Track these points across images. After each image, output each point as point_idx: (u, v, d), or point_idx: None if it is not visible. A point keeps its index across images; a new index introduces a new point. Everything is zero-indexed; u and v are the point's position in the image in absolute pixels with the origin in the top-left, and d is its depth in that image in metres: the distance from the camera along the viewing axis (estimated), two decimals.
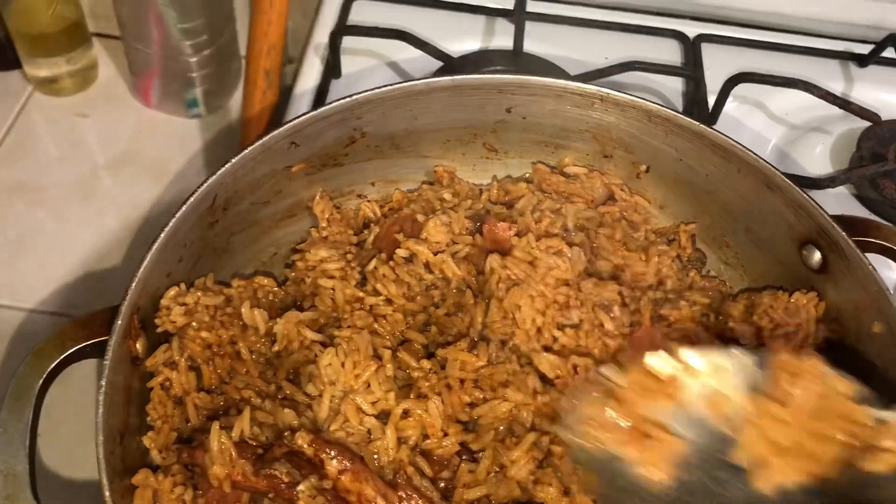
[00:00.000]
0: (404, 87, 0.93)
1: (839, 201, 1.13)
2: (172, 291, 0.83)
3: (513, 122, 1.00)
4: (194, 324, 0.81)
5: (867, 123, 1.18)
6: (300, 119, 0.89)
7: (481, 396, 0.76)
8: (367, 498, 0.70)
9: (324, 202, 0.98)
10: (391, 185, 1.03)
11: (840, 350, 0.88)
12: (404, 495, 0.71)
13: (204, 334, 0.82)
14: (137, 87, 1.24)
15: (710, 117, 1.16)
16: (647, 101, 0.94)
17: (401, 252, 0.86)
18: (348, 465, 0.70)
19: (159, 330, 0.82)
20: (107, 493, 0.67)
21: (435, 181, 1.03)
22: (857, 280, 0.84)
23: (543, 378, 0.78)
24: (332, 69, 1.18)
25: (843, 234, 0.84)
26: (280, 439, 0.74)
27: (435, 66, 1.18)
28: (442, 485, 0.74)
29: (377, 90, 0.92)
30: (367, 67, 1.21)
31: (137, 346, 0.79)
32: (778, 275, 0.94)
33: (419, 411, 0.74)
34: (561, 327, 0.80)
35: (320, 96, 1.15)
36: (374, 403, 0.75)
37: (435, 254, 0.86)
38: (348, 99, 0.91)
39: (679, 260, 0.96)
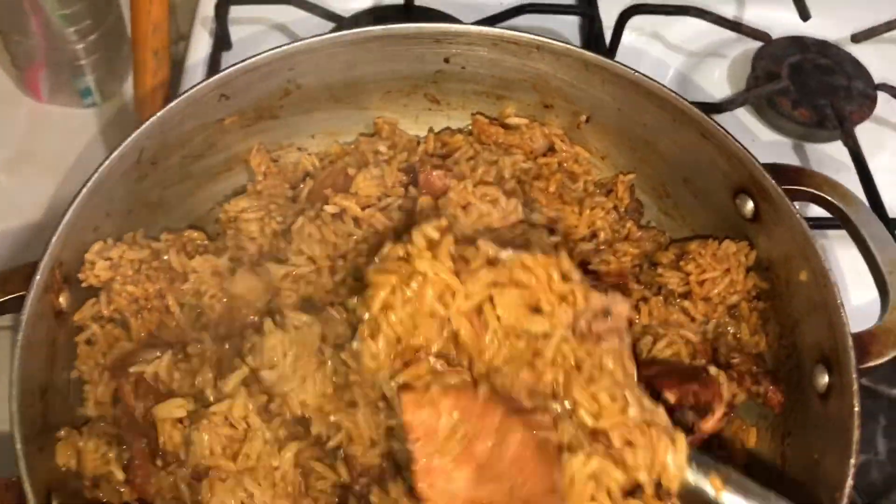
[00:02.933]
0: (335, 36, 0.92)
1: (741, 124, 1.16)
2: (97, 246, 0.83)
3: (452, 72, 0.99)
4: (119, 278, 0.81)
5: (760, 44, 1.19)
6: (227, 71, 0.88)
7: None
8: None
9: (260, 155, 0.97)
10: (332, 138, 1.03)
11: (772, 299, 0.88)
12: None
13: (130, 288, 0.82)
14: (25, 81, 1.17)
15: (609, 52, 1.16)
16: (583, 49, 0.93)
17: (329, 208, 0.86)
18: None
19: (84, 285, 0.82)
20: (18, 445, 0.67)
21: (375, 133, 1.02)
22: (787, 228, 0.83)
23: None
24: (221, 41, 1.15)
25: (773, 181, 0.84)
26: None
27: (327, 28, 1.16)
28: (357, 488, 0.76)
29: (307, 41, 0.91)
30: (258, 35, 1.19)
31: (61, 300, 0.79)
32: (716, 225, 0.93)
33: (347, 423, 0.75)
34: None
35: (213, 68, 1.13)
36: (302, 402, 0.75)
37: (364, 208, 0.86)
38: (278, 50, 0.90)
39: (616, 211, 0.96)
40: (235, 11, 1.18)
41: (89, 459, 0.77)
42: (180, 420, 0.75)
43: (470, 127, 1.03)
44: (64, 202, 1.04)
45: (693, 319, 0.87)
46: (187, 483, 0.75)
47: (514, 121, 1.01)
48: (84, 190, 0.80)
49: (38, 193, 1.09)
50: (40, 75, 1.15)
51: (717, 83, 1.22)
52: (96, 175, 0.81)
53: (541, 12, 1.17)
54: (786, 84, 1.16)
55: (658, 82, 0.90)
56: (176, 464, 0.76)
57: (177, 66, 1.13)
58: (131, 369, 0.77)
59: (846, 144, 1.10)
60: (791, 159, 1.16)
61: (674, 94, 0.89)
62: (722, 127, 0.87)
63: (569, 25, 1.24)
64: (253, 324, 0.81)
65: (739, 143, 0.86)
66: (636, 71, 0.90)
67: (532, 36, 0.93)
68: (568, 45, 0.93)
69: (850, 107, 1.15)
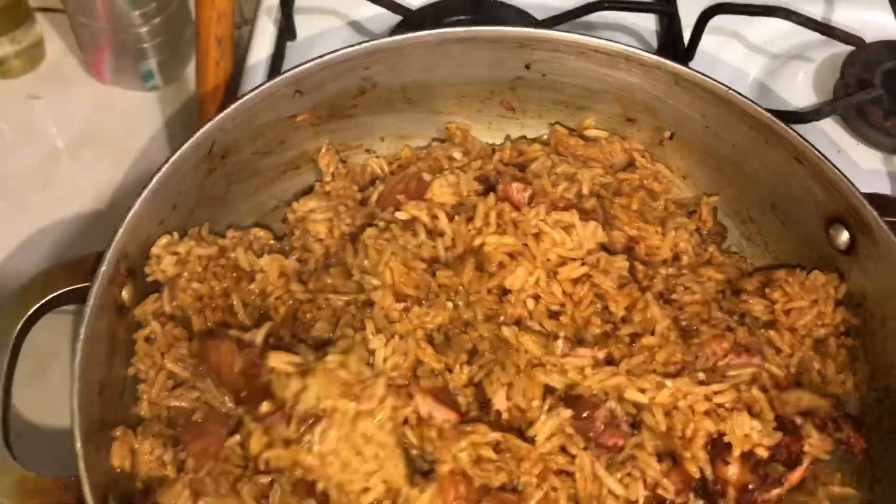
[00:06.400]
0: (417, 36, 0.89)
1: (825, 134, 1.08)
2: (164, 240, 0.80)
3: (532, 79, 0.95)
4: (185, 274, 0.78)
5: (851, 48, 1.11)
6: (304, 67, 0.85)
7: None
8: None
9: (329, 155, 0.94)
10: (402, 141, 0.99)
11: (863, 337, 0.83)
12: None
13: (195, 285, 0.79)
14: (89, 63, 1.16)
15: (686, 54, 1.10)
16: (675, 63, 0.88)
17: (400, 215, 0.82)
18: None
19: (149, 279, 0.79)
20: (78, 444, 0.64)
21: (447, 138, 0.99)
22: (887, 265, 0.79)
23: None
24: (286, 31, 1.12)
25: (875, 214, 0.79)
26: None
27: (394, 20, 1.12)
28: None
29: (387, 39, 0.88)
30: (323, 26, 1.15)
31: (124, 294, 0.76)
32: (803, 254, 0.89)
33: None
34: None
35: (276, 61, 1.09)
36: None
37: (433, 217, 0.82)
38: (357, 47, 0.86)
39: (698, 234, 0.91)
40: (300, 2, 1.14)
41: (144, 461, 0.74)
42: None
43: (546, 136, 0.99)
44: (123, 188, 1.05)
45: (779, 351, 0.82)
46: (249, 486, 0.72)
47: (593, 133, 0.97)
48: (154, 180, 0.77)
49: (98, 177, 1.08)
50: (104, 57, 1.14)
51: (800, 89, 1.14)
52: (167, 165, 0.78)
53: (618, 9, 1.10)
54: (879, 93, 1.08)
55: (754, 102, 0.85)
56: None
57: (239, 51, 1.11)
58: (230, 331, 0.75)
59: None
60: (881, 175, 1.07)
61: (769, 115, 0.85)
62: (820, 153, 0.82)
63: (644, 26, 1.17)
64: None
65: (838, 169, 0.81)
66: (731, 89, 0.86)
67: (623, 46, 0.89)
68: (659, 58, 0.89)
69: None
